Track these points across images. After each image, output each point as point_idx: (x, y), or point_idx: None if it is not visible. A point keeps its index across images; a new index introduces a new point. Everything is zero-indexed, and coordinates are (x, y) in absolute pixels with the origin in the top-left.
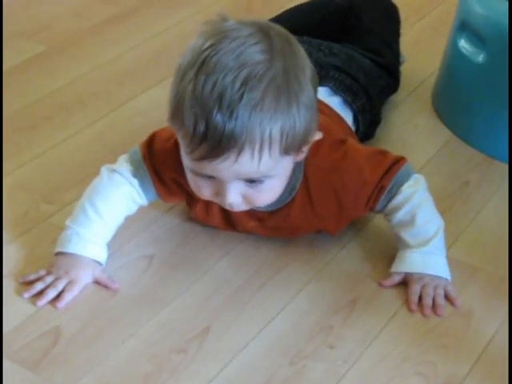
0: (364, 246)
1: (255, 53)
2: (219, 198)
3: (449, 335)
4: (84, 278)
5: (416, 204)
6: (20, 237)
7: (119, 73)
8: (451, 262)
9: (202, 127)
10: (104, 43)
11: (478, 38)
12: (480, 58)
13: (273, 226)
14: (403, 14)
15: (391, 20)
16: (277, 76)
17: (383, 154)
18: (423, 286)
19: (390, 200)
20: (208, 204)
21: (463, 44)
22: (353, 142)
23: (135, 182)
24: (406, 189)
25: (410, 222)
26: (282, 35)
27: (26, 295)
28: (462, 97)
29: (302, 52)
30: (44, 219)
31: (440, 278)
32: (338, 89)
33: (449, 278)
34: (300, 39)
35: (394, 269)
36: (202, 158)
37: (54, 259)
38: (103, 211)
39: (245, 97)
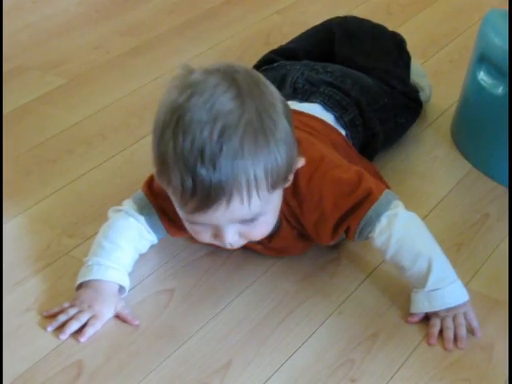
0: (384, 279)
1: (226, 102)
2: (218, 239)
3: (470, 369)
4: (106, 312)
5: (395, 250)
6: (42, 270)
7: (139, 106)
8: (472, 294)
9: (189, 183)
10: (124, 76)
11: (497, 71)
12: (499, 90)
13: (277, 248)
14: (421, 47)
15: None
16: (251, 119)
17: (357, 182)
18: (443, 319)
19: (366, 240)
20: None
21: (482, 76)
22: (330, 160)
23: (142, 219)
24: (379, 236)
25: (398, 266)
26: (248, 76)
27: (49, 328)
28: (482, 129)
29: (269, 88)
30: (66, 253)
31: (454, 307)
32: (326, 104)
33: (464, 299)
34: (298, 63)
35: (410, 310)
36: (194, 211)
37: (76, 293)
38: (119, 241)
39: (224, 147)
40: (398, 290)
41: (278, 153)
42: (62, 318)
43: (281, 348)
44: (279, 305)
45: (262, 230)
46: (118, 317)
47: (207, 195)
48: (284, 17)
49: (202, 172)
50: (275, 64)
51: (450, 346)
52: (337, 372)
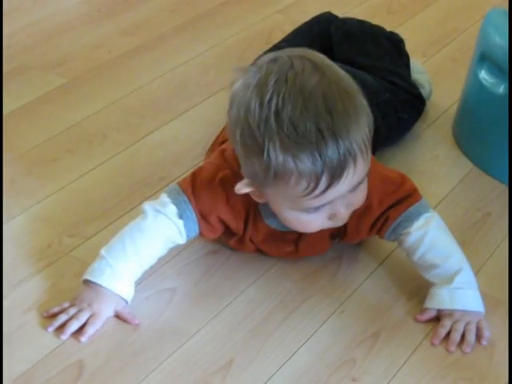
0: (386, 277)
1: (310, 76)
2: (333, 218)
3: (472, 368)
4: (106, 311)
5: (427, 247)
6: (43, 270)
7: (140, 105)
8: None
9: (319, 164)
10: (125, 75)
11: (498, 69)
12: (500, 89)
13: (306, 246)
14: (422, 46)
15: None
16: (337, 84)
17: (401, 182)
18: (455, 322)
19: (398, 237)
20: (241, 239)
21: (483, 75)
22: (373, 158)
23: (180, 223)
24: (415, 231)
25: (427, 265)
26: (303, 50)
27: (50, 329)
28: (483, 128)
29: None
30: (67, 252)
31: (471, 312)
32: None
33: (481, 309)
34: None
35: (425, 305)
36: (327, 188)
37: (80, 288)
38: (142, 251)
39: (334, 117)
40: (400, 289)
41: (367, 106)
42: (62, 317)
43: (283, 347)
44: (281, 303)
45: (362, 194)
46: (118, 316)
47: (338, 167)
48: (285, 16)
49: (328, 148)
50: None
51: (453, 348)
52: (338, 371)
